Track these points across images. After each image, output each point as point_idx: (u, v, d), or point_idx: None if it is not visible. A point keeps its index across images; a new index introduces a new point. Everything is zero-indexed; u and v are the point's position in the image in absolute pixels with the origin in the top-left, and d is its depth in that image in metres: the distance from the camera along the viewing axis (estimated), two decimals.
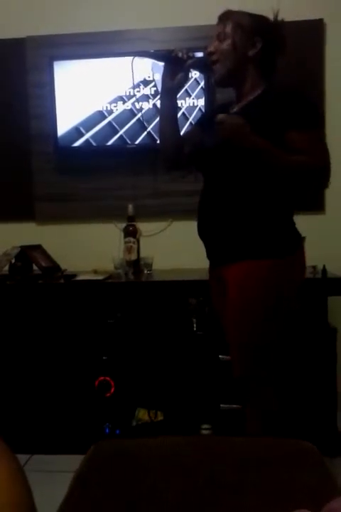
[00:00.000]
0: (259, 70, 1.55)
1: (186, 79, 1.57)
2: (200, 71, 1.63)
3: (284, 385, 1.61)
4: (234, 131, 1.40)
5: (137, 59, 1.53)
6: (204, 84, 2.44)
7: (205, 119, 1.76)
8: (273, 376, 1.54)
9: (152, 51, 1.58)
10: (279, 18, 1.54)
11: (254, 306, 1.48)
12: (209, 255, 1.63)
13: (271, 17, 1.56)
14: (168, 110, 1.61)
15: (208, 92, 2.45)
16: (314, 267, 2.14)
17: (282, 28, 1.54)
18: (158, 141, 1.70)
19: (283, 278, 1.48)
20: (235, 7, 1.56)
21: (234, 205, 1.50)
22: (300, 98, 1.47)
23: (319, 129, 1.51)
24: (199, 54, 1.61)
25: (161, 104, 1.63)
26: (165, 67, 1.55)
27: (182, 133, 1.73)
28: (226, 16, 1.53)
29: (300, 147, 1.42)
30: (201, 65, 1.58)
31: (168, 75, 1.55)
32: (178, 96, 1.62)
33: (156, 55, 1.58)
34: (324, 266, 2.10)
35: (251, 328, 1.50)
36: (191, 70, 1.59)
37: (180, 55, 1.51)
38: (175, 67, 1.53)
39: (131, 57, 1.53)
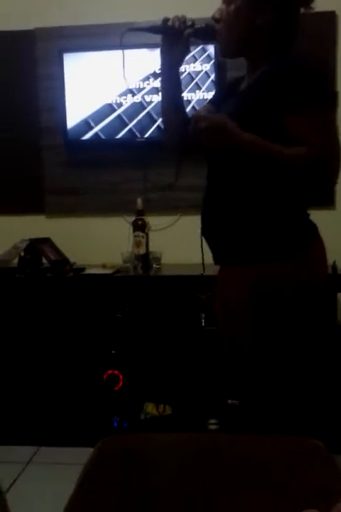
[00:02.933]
0: (271, 40, 1.32)
1: (186, 50, 1.39)
2: (202, 41, 1.45)
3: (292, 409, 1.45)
4: (212, 134, 1.22)
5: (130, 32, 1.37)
6: (214, 64, 2.39)
7: (217, 98, 1.57)
8: (277, 400, 1.38)
9: (145, 26, 1.39)
10: None
11: (252, 320, 1.33)
12: (212, 255, 1.48)
13: None
14: (169, 85, 1.45)
15: (218, 70, 2.39)
16: None
17: None
18: (161, 120, 1.54)
19: (292, 282, 1.30)
20: None
21: (235, 200, 1.33)
22: (299, 73, 1.22)
23: (324, 110, 1.22)
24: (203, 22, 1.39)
25: (162, 79, 1.48)
26: (163, 40, 1.39)
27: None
28: None
29: (299, 135, 1.20)
30: (202, 35, 1.38)
31: (167, 47, 1.39)
32: (183, 76, 1.50)
33: (150, 29, 1.39)
34: (334, 262, 2.08)
35: (250, 348, 1.35)
36: (192, 39, 1.38)
37: (176, 25, 1.34)
38: (174, 39, 1.36)
39: (125, 31, 1.37)
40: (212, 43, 1.41)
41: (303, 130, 1.21)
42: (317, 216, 1.44)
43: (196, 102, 2.44)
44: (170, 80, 1.45)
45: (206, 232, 1.45)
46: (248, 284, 1.33)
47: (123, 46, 1.38)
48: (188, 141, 1.43)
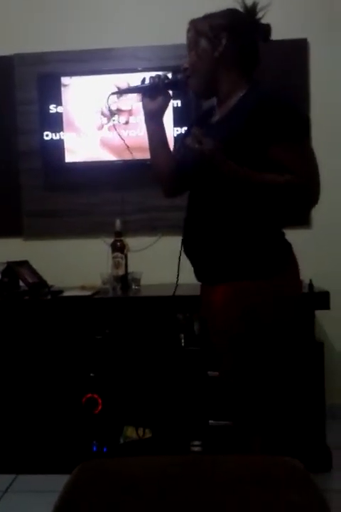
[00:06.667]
0: (236, 67, 1.42)
1: (167, 100, 1.51)
2: (178, 90, 1.57)
3: (276, 431, 1.51)
4: (206, 157, 1.30)
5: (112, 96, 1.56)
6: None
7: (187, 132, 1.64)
8: (260, 423, 1.42)
9: (126, 87, 1.65)
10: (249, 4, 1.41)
11: (233, 337, 1.37)
12: (195, 273, 1.53)
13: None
14: (155, 135, 1.54)
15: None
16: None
17: (253, 13, 1.41)
18: (152, 171, 1.60)
19: (268, 301, 1.36)
20: None
21: (217, 220, 1.40)
22: (281, 107, 1.34)
23: (304, 140, 1.35)
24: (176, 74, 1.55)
25: (147, 130, 1.55)
26: (143, 97, 1.51)
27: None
28: (189, 27, 1.46)
29: (283, 163, 1.32)
30: (175, 84, 1.51)
31: (147, 102, 1.50)
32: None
33: (131, 89, 1.60)
34: (310, 280, 2.12)
35: (233, 364, 1.40)
36: (169, 90, 1.52)
37: (151, 81, 1.48)
38: (152, 94, 1.49)
39: (107, 94, 1.55)
40: (186, 91, 1.55)
41: (286, 161, 1.32)
42: (293, 235, 1.47)
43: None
44: (155, 130, 1.53)
45: (188, 250, 1.50)
46: (227, 301, 1.38)
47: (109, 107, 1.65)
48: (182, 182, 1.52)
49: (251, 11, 1.41)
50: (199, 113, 1.61)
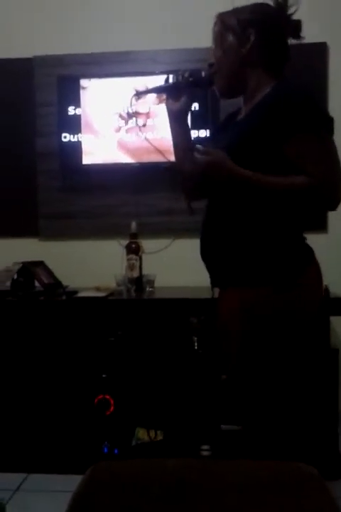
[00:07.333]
0: (263, 64, 1.36)
1: (191, 100, 1.46)
2: (202, 87, 1.49)
3: (288, 437, 1.45)
4: (211, 169, 1.28)
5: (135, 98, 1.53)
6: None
7: (213, 134, 1.63)
8: (270, 429, 1.39)
9: (149, 88, 1.54)
10: None
11: (241, 342, 1.34)
12: (210, 278, 1.49)
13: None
14: (179, 136, 1.48)
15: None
16: None
17: (284, 7, 1.34)
18: (177, 173, 1.54)
19: (280, 307, 1.31)
20: None
21: (233, 224, 1.36)
22: (299, 101, 1.26)
23: (324, 137, 1.27)
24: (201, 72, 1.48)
25: (171, 132, 1.49)
26: (167, 96, 1.47)
27: None
28: (215, 21, 1.39)
29: (299, 163, 1.26)
30: (200, 82, 1.44)
31: (172, 102, 1.45)
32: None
33: (153, 90, 1.54)
34: (326, 286, 2.09)
35: (242, 369, 1.37)
36: (193, 88, 1.45)
37: (174, 80, 1.43)
38: (177, 93, 1.44)
39: (134, 94, 1.53)
40: (210, 89, 1.49)
41: (303, 159, 1.26)
42: (310, 240, 1.45)
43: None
44: (179, 131, 1.48)
45: (204, 254, 1.47)
46: (243, 307, 1.34)
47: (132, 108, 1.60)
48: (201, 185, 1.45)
49: (282, 6, 1.35)
50: (228, 114, 1.56)
